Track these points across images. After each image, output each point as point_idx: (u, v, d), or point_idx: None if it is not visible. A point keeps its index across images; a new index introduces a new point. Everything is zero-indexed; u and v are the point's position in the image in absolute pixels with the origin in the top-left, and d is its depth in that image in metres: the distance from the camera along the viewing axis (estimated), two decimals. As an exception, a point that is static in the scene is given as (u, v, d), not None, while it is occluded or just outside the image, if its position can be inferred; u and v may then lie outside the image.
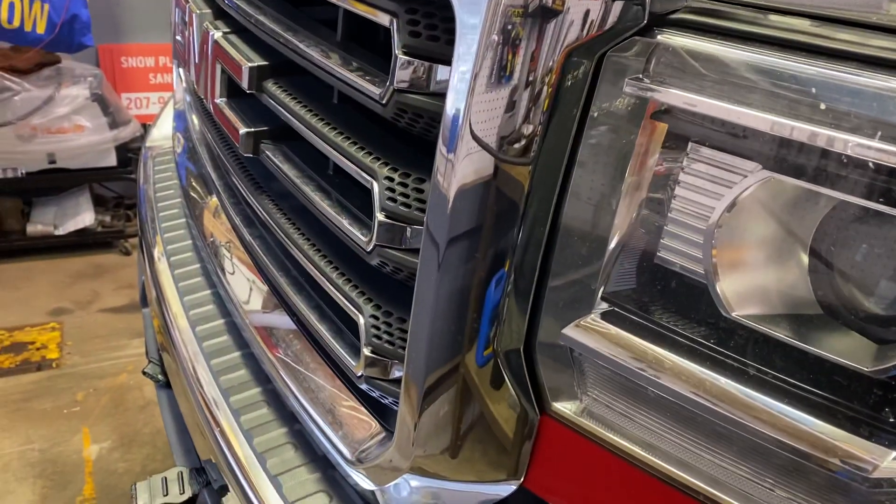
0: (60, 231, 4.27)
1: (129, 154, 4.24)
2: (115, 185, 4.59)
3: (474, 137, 0.71)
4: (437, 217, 0.76)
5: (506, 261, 0.77)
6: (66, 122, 4.00)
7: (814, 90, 0.57)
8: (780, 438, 0.64)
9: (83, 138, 4.07)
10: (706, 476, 0.70)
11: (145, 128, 3.93)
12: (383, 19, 0.81)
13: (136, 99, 4.58)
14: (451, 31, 0.72)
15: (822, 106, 0.56)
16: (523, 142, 0.71)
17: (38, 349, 3.55)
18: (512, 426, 0.82)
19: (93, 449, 2.99)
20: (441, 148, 0.73)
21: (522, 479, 0.84)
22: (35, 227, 4.25)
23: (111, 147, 4.18)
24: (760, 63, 0.60)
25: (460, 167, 0.73)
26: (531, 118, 0.70)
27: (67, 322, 3.79)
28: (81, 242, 4.38)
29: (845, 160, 0.57)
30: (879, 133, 0.55)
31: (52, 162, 4.08)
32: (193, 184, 1.71)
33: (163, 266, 1.60)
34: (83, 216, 4.29)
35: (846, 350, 0.63)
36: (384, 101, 0.82)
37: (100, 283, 4.16)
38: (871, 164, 0.55)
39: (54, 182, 4.27)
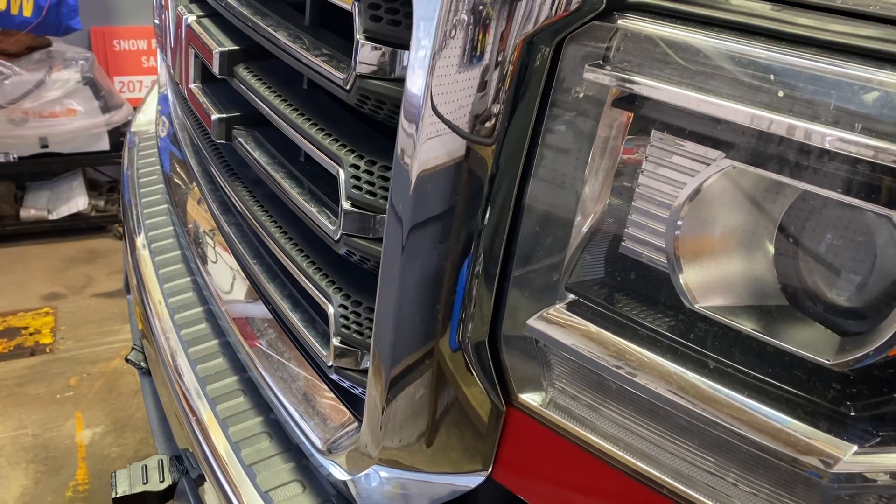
0: (54, 216, 4.26)
1: (122, 138, 4.21)
2: (109, 169, 4.57)
3: (437, 115, 0.70)
4: (399, 199, 0.74)
5: (471, 247, 0.75)
6: (57, 105, 3.97)
7: (773, 77, 0.55)
8: (742, 432, 0.63)
9: (75, 122, 4.04)
10: (670, 470, 0.69)
11: (138, 111, 3.91)
12: (345, 3, 0.79)
13: (129, 82, 4.55)
14: (411, 16, 0.70)
15: (781, 93, 0.55)
16: (486, 123, 0.70)
17: (31, 334, 3.55)
18: (478, 417, 0.81)
19: (86, 434, 2.99)
20: (403, 127, 0.72)
21: (490, 471, 0.84)
22: (28, 212, 4.23)
23: (104, 131, 4.16)
24: (721, 48, 0.59)
25: (422, 148, 0.71)
26: (492, 100, 0.69)
27: (61, 307, 3.78)
28: (75, 227, 4.37)
29: (806, 149, 0.56)
30: (838, 121, 0.53)
31: (45, 146, 4.06)
32: (175, 169, 1.70)
33: (144, 252, 1.59)
34: (77, 201, 4.28)
35: (810, 342, 0.62)
36: (348, 87, 0.80)
37: (93, 267, 4.15)
38: (829, 153, 0.54)
39: (47, 166, 4.25)
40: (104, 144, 4.20)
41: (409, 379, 0.82)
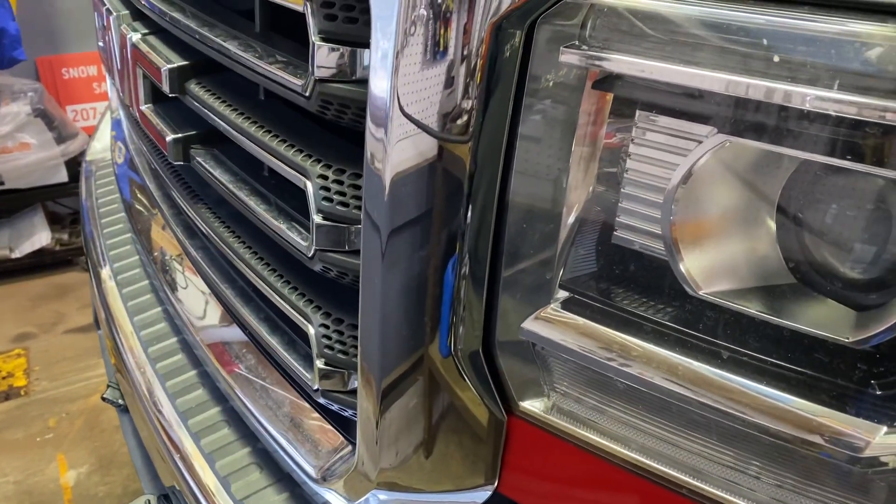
0: (17, 254, 4.13)
1: (80, 168, 4.11)
2: (70, 200, 4.45)
3: (406, 116, 0.65)
4: (374, 207, 0.70)
5: (455, 250, 0.71)
6: (9, 140, 3.85)
7: (765, 41, 0.51)
8: (762, 422, 0.59)
9: (30, 156, 3.93)
10: (687, 467, 0.65)
11: (94, 139, 3.81)
12: (297, 4, 0.74)
13: (82, 111, 4.44)
14: (368, 11, 0.65)
15: (776, 58, 0.51)
16: (458, 120, 0.65)
17: (4, 378, 3.44)
18: (479, 429, 0.77)
19: (70, 475, 2.90)
20: (370, 131, 0.67)
21: (496, 485, 0.79)
22: (-10, 253, 4.11)
23: (60, 162, 4.04)
24: (705, 16, 0.55)
25: (394, 151, 0.67)
26: (464, 95, 0.64)
27: (33, 347, 3.67)
28: (40, 263, 4.25)
29: (805, 115, 0.52)
30: (838, 83, 0.49)
31: (0, 183, 3.94)
32: (136, 196, 1.63)
33: (111, 285, 1.52)
34: (39, 236, 4.16)
35: (824, 320, 0.58)
36: (307, 94, 0.75)
37: (63, 303, 4.04)
38: (832, 117, 0.50)
39: (5, 204, 4.12)
40: (62, 176, 4.09)
41: (401, 396, 0.78)
